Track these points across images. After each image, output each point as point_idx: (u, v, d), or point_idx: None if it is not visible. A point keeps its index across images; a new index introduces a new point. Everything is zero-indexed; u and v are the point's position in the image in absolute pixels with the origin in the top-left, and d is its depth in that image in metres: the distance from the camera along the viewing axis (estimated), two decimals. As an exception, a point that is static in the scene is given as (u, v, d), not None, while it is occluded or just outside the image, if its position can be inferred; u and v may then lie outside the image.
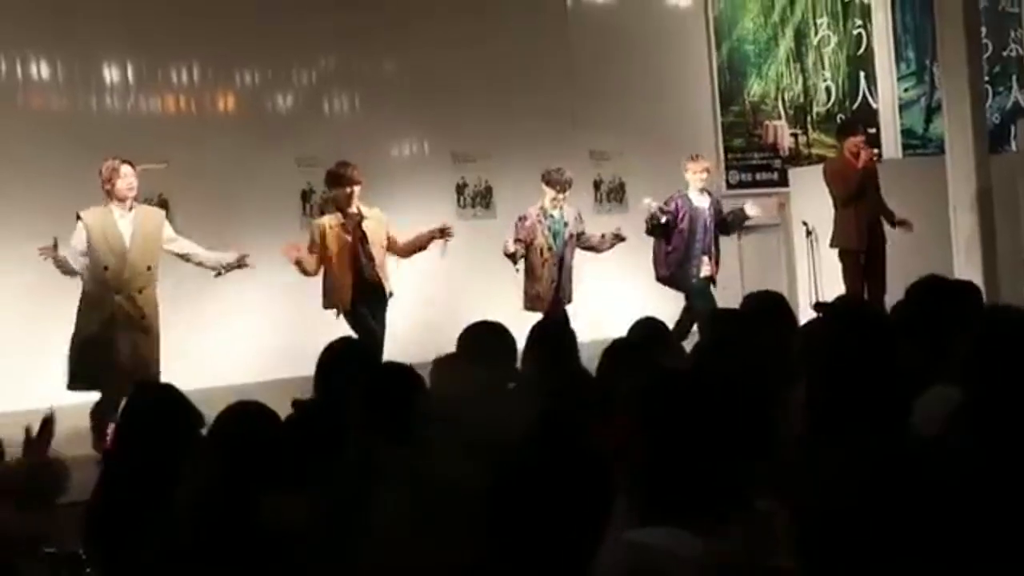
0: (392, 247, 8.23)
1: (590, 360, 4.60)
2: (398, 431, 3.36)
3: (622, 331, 4.90)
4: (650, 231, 9.27)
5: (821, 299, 8.61)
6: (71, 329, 8.41)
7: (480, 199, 11.12)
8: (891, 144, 13.53)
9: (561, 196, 8.78)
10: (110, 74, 9.72)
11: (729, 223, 9.67)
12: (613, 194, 11.87)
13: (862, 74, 13.69)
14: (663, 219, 9.10)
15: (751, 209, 9.66)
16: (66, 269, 7.28)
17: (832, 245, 9.92)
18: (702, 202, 9.40)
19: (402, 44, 10.69)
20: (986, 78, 12.36)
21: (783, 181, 12.51)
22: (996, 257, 9.82)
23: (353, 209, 8.03)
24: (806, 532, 1.85)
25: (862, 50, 13.71)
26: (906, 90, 13.98)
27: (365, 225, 8.02)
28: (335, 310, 8.02)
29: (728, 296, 9.24)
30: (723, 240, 9.72)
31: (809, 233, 10.81)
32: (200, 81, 10.07)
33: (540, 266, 8.75)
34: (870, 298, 9.27)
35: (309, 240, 8.08)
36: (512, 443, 3.13)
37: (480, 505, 2.28)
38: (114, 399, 6.65)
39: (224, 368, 8.66)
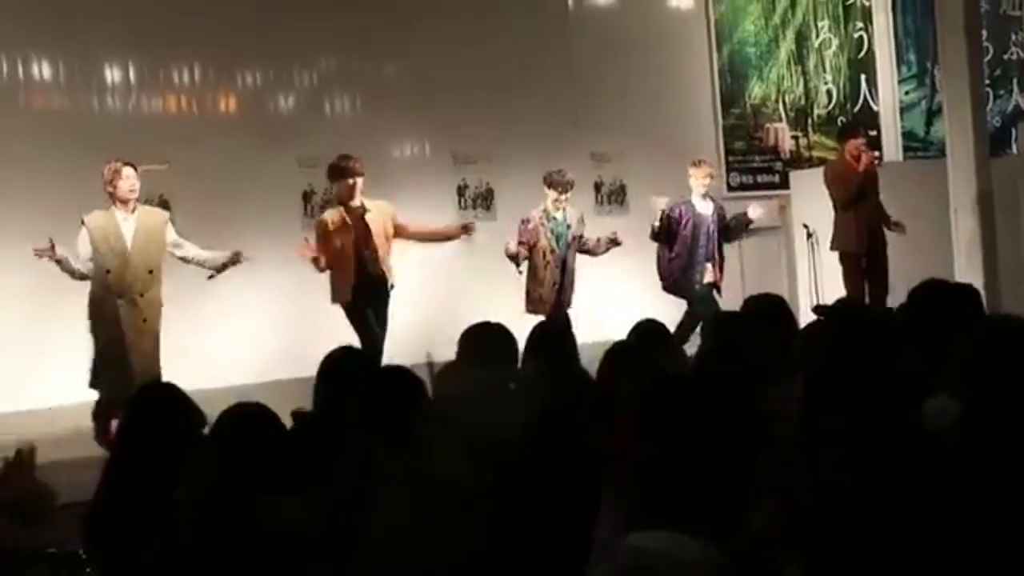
0: (402, 233, 8.21)
1: (590, 362, 4.60)
2: (398, 432, 3.36)
3: (622, 333, 4.90)
4: (654, 236, 9.26)
5: (822, 302, 8.60)
6: (71, 330, 8.44)
7: (481, 201, 11.12)
8: (892, 147, 13.53)
9: (563, 197, 8.77)
10: (111, 74, 9.72)
11: (732, 228, 9.63)
12: (614, 196, 11.87)
13: (863, 77, 13.69)
14: (658, 225, 9.09)
15: (753, 212, 9.63)
16: (71, 271, 7.28)
17: (832, 248, 9.93)
18: (705, 208, 9.39)
19: (403, 45, 10.69)
20: (987, 81, 12.37)
21: (784, 184, 12.51)
22: (997, 260, 9.81)
23: (356, 202, 8.01)
24: (805, 531, 1.85)
25: (863, 53, 13.71)
26: (907, 93, 13.98)
27: (368, 218, 8.00)
28: (341, 305, 8.02)
29: (729, 299, 9.24)
30: (725, 244, 9.72)
31: (810, 236, 10.82)
32: (201, 81, 10.06)
33: (543, 268, 8.74)
34: (872, 301, 9.28)
35: (317, 240, 8.07)
36: (512, 444, 3.14)
37: (480, 505, 2.28)
38: (118, 398, 6.66)
39: (224, 369, 8.66)
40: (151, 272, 7.40)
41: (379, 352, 7.77)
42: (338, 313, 8.03)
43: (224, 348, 9.38)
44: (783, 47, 13.24)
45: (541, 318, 8.34)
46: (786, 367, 3.69)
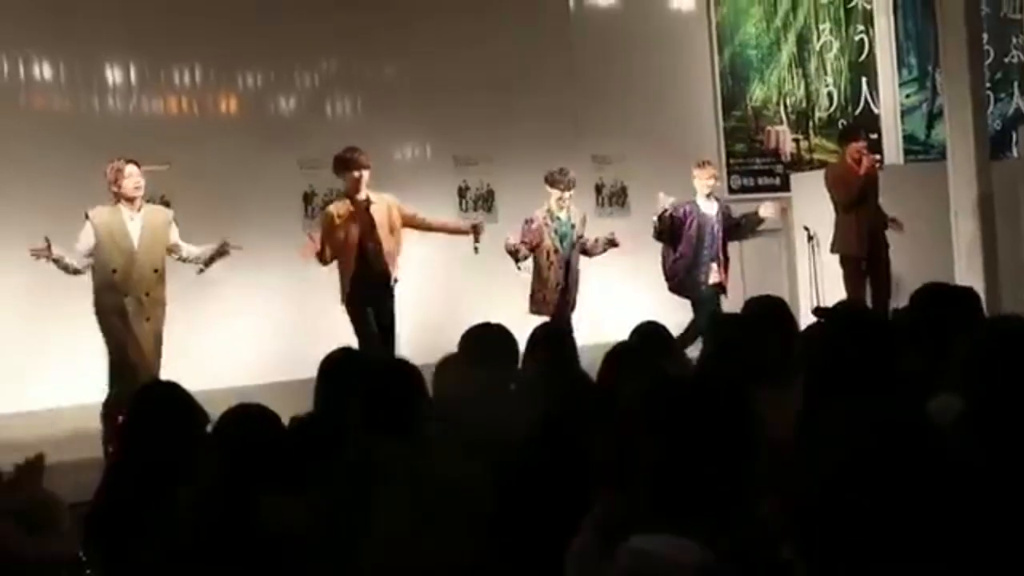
0: (410, 223, 8.20)
1: (591, 364, 4.60)
2: (398, 426, 3.37)
3: (623, 335, 4.90)
4: (657, 235, 9.25)
5: (822, 304, 8.61)
6: (71, 331, 8.44)
7: (482, 202, 11.12)
8: (893, 150, 13.54)
9: (566, 195, 8.76)
10: (112, 75, 9.72)
11: (742, 226, 9.65)
12: (615, 198, 11.87)
13: (864, 80, 13.70)
14: (657, 223, 9.08)
15: (765, 211, 9.64)
16: (65, 267, 7.25)
17: (833, 251, 9.92)
18: (710, 208, 9.40)
19: (404, 47, 10.69)
20: (988, 84, 12.37)
21: (784, 186, 12.50)
22: (997, 263, 9.81)
23: (361, 195, 8.00)
24: (806, 530, 1.85)
25: (864, 56, 13.72)
26: (908, 96, 13.99)
27: (372, 210, 7.99)
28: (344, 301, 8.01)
29: (729, 301, 9.26)
30: (733, 242, 9.74)
31: (810, 238, 10.82)
32: (202, 83, 10.06)
33: (547, 269, 8.73)
34: (875, 303, 9.28)
35: (322, 235, 8.06)
36: (513, 444, 3.14)
37: (480, 506, 2.28)
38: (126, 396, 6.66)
39: (225, 370, 8.65)
40: (156, 271, 7.40)
41: (382, 351, 7.75)
42: (338, 314, 8.02)
43: (225, 349, 9.38)
44: (784, 50, 13.24)
45: (545, 319, 8.35)
46: (785, 369, 3.69)
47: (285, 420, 3.71)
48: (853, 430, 1.89)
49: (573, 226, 8.83)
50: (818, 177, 10.36)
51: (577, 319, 8.75)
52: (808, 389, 3.29)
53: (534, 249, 8.70)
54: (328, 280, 8.17)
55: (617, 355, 4.29)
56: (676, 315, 8.73)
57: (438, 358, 4.52)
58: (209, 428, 3.62)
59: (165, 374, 7.06)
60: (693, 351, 5.39)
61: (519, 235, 8.70)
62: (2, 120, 9.16)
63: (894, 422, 1.89)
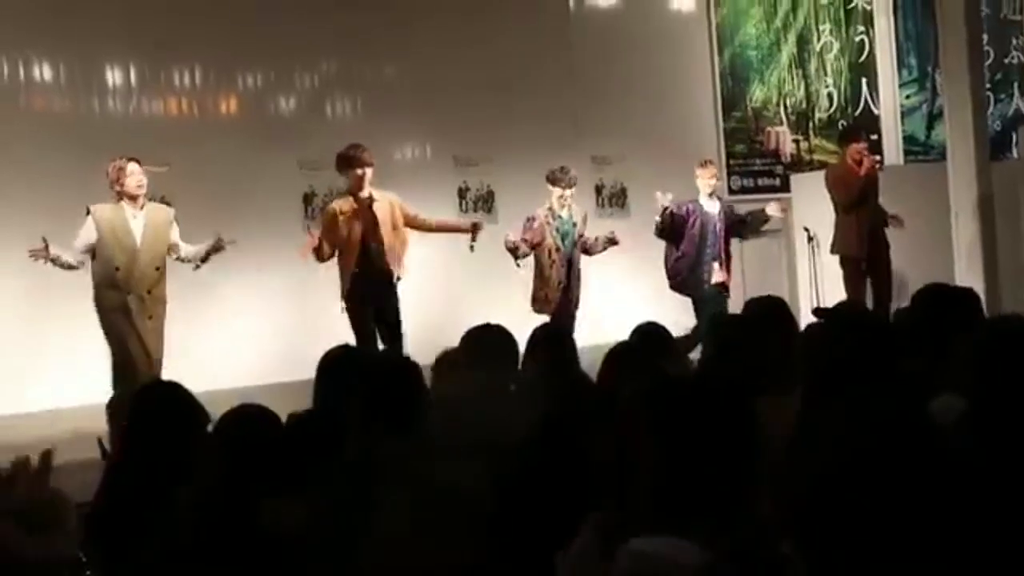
0: (412, 223, 8.20)
1: (592, 364, 4.60)
2: (399, 423, 3.37)
3: (623, 335, 4.90)
4: (659, 232, 9.24)
5: (822, 305, 8.60)
6: (70, 333, 8.43)
7: (482, 203, 11.12)
8: (893, 151, 13.54)
9: (568, 193, 8.76)
10: (112, 76, 9.72)
11: (748, 223, 9.68)
12: (615, 199, 11.88)
13: (864, 80, 13.70)
14: (659, 221, 9.08)
15: (772, 210, 9.69)
16: (62, 264, 7.25)
17: (833, 251, 9.93)
18: (712, 207, 9.41)
19: (404, 47, 10.69)
20: (988, 85, 12.37)
21: (785, 187, 12.51)
22: (997, 264, 9.82)
23: (364, 193, 8.00)
24: (806, 530, 1.85)
25: (864, 57, 13.72)
26: (908, 97, 13.99)
27: (376, 208, 7.99)
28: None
29: (730, 301, 9.26)
30: (738, 240, 9.75)
31: (810, 239, 10.83)
32: (202, 83, 10.07)
33: (548, 267, 8.73)
34: (876, 304, 9.29)
35: (324, 231, 8.05)
36: (512, 445, 3.14)
37: (480, 506, 2.28)
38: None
39: (225, 371, 8.65)
40: (158, 269, 7.42)
41: (380, 350, 7.75)
42: (339, 314, 8.02)
43: (225, 350, 9.38)
44: (784, 51, 13.24)
45: (547, 318, 8.36)
46: (786, 373, 3.69)
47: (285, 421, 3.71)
48: (853, 429, 1.89)
49: (575, 224, 8.83)
50: (818, 178, 10.36)
51: (580, 316, 8.76)
52: (808, 389, 3.29)
53: (535, 247, 8.69)
54: (328, 280, 8.17)
55: (617, 355, 4.28)
56: (676, 316, 8.73)
57: (440, 352, 4.54)
58: (209, 428, 3.62)
59: (166, 375, 7.06)
60: (694, 353, 5.38)
61: (519, 232, 8.70)
62: (2, 121, 9.17)
63: (894, 421, 1.89)
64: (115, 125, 9.53)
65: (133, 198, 7.36)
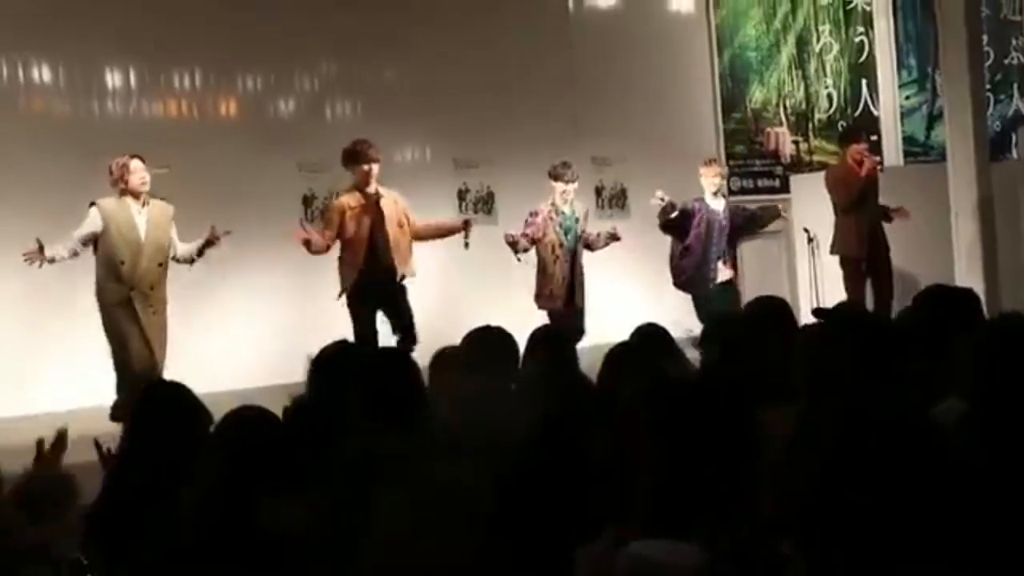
0: (410, 230, 8.19)
1: (592, 365, 4.60)
2: (398, 417, 3.37)
3: (624, 336, 4.89)
4: (663, 225, 9.23)
5: (822, 306, 8.60)
6: (69, 335, 8.42)
7: (482, 204, 11.12)
8: (892, 151, 13.52)
9: (570, 188, 8.77)
10: (112, 78, 9.72)
11: (759, 217, 9.72)
12: (615, 200, 11.88)
13: (864, 81, 13.69)
14: (673, 214, 9.08)
15: (783, 210, 9.80)
16: (61, 259, 7.24)
17: (833, 252, 9.93)
18: (717, 205, 9.43)
19: (403, 49, 10.69)
20: (987, 86, 12.37)
21: (784, 188, 12.52)
22: (997, 265, 9.83)
23: (371, 189, 7.99)
24: (806, 530, 1.85)
25: (864, 57, 13.71)
26: (908, 97, 13.97)
27: (383, 204, 7.98)
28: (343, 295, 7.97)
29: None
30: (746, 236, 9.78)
31: (810, 240, 10.84)
32: (202, 86, 10.06)
33: (552, 263, 8.72)
34: (877, 304, 9.29)
35: (325, 220, 8.04)
36: (512, 445, 3.14)
37: (480, 506, 2.27)
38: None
39: (225, 372, 8.65)
40: (161, 265, 7.44)
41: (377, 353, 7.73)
42: (339, 316, 8.01)
43: (225, 351, 9.38)
44: (784, 51, 13.24)
45: (550, 313, 8.37)
46: (786, 378, 3.68)
47: (281, 415, 3.71)
48: (853, 429, 1.89)
49: (577, 220, 8.84)
50: (818, 179, 10.37)
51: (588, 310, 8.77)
52: (808, 389, 3.29)
53: (535, 242, 8.68)
54: (329, 283, 8.17)
55: (617, 356, 4.29)
56: (677, 316, 8.73)
57: (437, 350, 4.54)
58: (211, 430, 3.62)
59: (166, 376, 7.06)
60: (694, 353, 5.38)
61: (521, 228, 8.68)
62: (1, 123, 9.16)
63: (894, 421, 1.89)
64: (114, 127, 9.52)
65: (136, 195, 7.38)
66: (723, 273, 9.36)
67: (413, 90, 10.72)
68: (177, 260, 7.64)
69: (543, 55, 11.34)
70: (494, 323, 4.94)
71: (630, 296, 10.42)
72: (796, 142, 13.24)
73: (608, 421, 2.71)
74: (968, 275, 9.46)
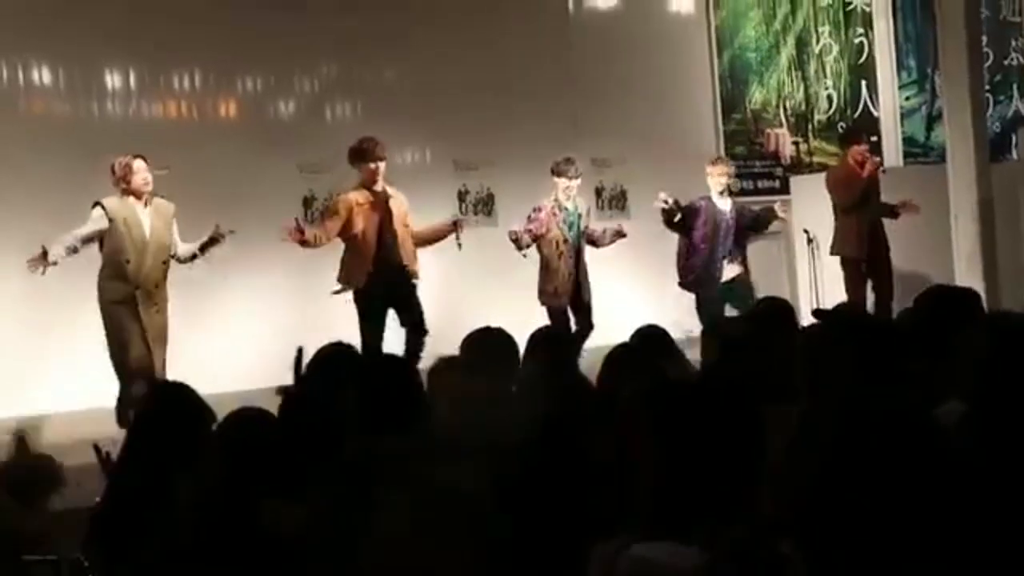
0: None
1: (592, 366, 4.60)
2: (397, 420, 3.37)
3: (623, 337, 4.89)
4: (667, 222, 9.21)
5: (822, 306, 8.61)
6: (69, 336, 8.42)
7: (482, 206, 11.12)
8: (892, 152, 13.55)
9: (573, 184, 8.76)
10: (112, 80, 9.72)
11: (761, 218, 9.74)
12: (615, 201, 11.88)
13: (863, 82, 13.71)
14: (676, 217, 9.07)
15: (779, 210, 9.79)
16: (60, 258, 7.24)
17: (833, 253, 9.93)
18: (724, 205, 9.43)
19: (403, 51, 10.69)
20: (987, 87, 12.39)
21: (784, 189, 12.53)
22: (997, 266, 9.83)
23: (379, 187, 7.99)
24: (806, 531, 1.85)
25: (864, 58, 13.73)
26: (907, 98, 14.00)
27: (391, 203, 7.99)
28: (347, 290, 7.94)
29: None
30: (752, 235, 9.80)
31: (810, 241, 10.83)
32: (202, 87, 10.06)
33: (556, 259, 8.70)
34: (877, 305, 9.30)
35: (329, 212, 8.03)
36: (512, 446, 3.14)
37: (480, 506, 2.27)
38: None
39: (225, 373, 8.63)
40: (164, 263, 7.45)
41: (381, 352, 7.73)
42: (341, 317, 8.00)
43: (226, 353, 9.37)
44: (784, 53, 13.25)
45: (560, 307, 8.37)
46: (788, 380, 3.68)
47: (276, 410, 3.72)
48: (853, 429, 1.89)
49: (580, 216, 8.84)
50: (818, 180, 10.38)
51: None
52: (808, 390, 3.29)
53: (537, 239, 8.66)
54: (329, 284, 8.16)
55: (617, 357, 4.28)
56: (677, 316, 8.72)
57: (437, 359, 4.54)
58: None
59: (167, 376, 7.07)
60: (694, 353, 5.38)
61: (524, 224, 8.67)
62: (1, 125, 9.16)
63: (894, 421, 1.89)
64: (115, 128, 9.52)
65: (139, 196, 7.38)
66: (729, 271, 9.35)
67: (413, 91, 10.72)
68: (177, 259, 7.64)
69: (543, 55, 11.34)
70: (494, 324, 4.95)
71: (630, 297, 10.41)
72: (796, 143, 13.25)
73: (608, 422, 2.71)
74: (968, 276, 9.46)
